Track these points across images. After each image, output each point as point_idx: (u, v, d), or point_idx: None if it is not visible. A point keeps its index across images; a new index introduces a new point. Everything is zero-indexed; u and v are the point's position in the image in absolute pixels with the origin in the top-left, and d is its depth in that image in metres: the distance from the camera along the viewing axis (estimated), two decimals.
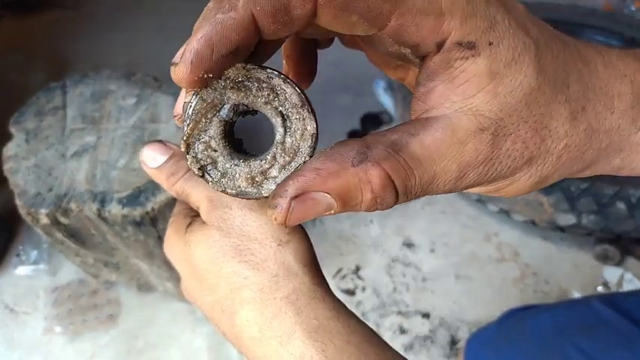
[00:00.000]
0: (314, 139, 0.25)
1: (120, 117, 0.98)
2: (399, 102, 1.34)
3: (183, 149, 0.24)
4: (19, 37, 1.87)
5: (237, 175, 0.25)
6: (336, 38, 0.32)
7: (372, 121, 1.47)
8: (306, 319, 0.28)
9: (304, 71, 0.32)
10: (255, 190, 0.25)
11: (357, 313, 1.07)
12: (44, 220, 0.87)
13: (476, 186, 0.26)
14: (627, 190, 0.99)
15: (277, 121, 0.24)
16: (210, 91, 0.23)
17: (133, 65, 1.30)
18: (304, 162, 0.24)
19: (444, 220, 1.23)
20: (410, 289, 1.11)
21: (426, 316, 1.07)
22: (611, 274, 1.11)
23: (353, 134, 1.44)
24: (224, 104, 0.24)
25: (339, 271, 1.15)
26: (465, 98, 0.23)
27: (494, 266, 1.14)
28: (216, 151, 0.24)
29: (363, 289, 1.12)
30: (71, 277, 1.16)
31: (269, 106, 0.24)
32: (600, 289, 1.10)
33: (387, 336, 1.04)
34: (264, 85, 0.23)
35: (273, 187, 0.25)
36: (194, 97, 0.23)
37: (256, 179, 0.25)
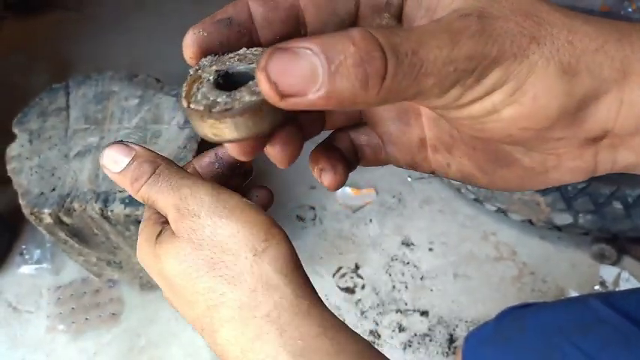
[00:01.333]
0: None
1: (122, 118, 1.00)
2: None
3: (185, 105, 0.25)
4: (21, 38, 1.88)
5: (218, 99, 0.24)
6: None
7: None
8: (290, 340, 0.26)
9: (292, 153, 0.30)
10: (227, 99, 0.24)
11: (357, 311, 1.08)
12: (47, 220, 0.88)
13: (484, 62, 0.22)
14: (624, 190, 0.99)
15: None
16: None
17: (135, 66, 1.32)
18: None
19: (442, 219, 1.24)
20: (409, 288, 1.12)
21: (424, 314, 1.08)
22: (608, 273, 1.12)
23: None
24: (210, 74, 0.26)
25: (339, 269, 1.16)
26: (444, 9, 0.23)
27: (492, 265, 1.15)
28: (208, 98, 0.25)
29: (363, 287, 1.13)
30: (74, 276, 1.17)
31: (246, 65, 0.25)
32: (597, 288, 1.10)
33: (385, 334, 1.05)
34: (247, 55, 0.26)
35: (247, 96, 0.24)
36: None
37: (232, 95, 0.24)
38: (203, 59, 0.26)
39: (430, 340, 1.04)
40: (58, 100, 1.05)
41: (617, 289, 1.09)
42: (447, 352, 1.02)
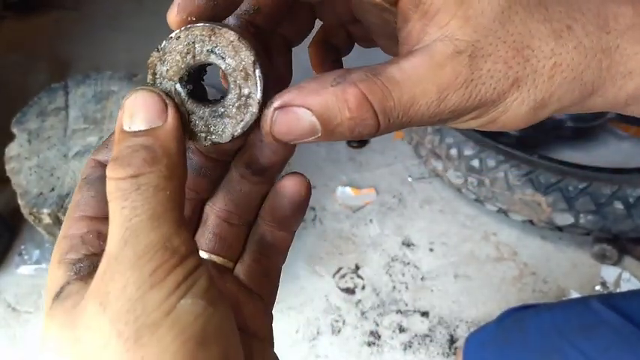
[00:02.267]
0: (261, 83, 0.25)
1: None
2: None
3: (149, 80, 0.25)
4: (20, 38, 1.87)
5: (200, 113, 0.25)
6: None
7: None
8: None
9: None
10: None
11: (357, 312, 1.08)
12: (46, 220, 0.88)
13: (464, 113, 0.25)
14: (625, 190, 0.99)
15: (231, 72, 0.25)
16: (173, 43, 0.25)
17: (134, 66, 1.31)
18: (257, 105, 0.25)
19: (443, 219, 1.24)
20: (409, 288, 1.12)
21: (425, 314, 1.07)
22: (609, 273, 1.12)
23: None
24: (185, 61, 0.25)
25: (339, 270, 1.16)
26: (440, 28, 0.24)
27: (492, 265, 1.15)
28: (179, 94, 0.25)
29: (363, 287, 1.13)
30: None
31: (222, 61, 0.25)
32: (598, 288, 1.10)
33: (386, 334, 1.05)
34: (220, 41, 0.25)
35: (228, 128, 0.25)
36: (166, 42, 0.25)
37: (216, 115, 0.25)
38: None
39: (431, 341, 1.03)
40: (57, 100, 1.04)
41: (618, 290, 1.09)
42: (447, 353, 1.02)
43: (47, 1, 2.00)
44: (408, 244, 1.20)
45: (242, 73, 0.24)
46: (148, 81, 0.25)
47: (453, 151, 1.12)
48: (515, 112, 0.25)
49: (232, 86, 0.25)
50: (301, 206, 0.28)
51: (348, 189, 1.31)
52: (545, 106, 0.25)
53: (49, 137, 0.98)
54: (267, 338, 0.28)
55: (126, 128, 0.23)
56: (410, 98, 0.23)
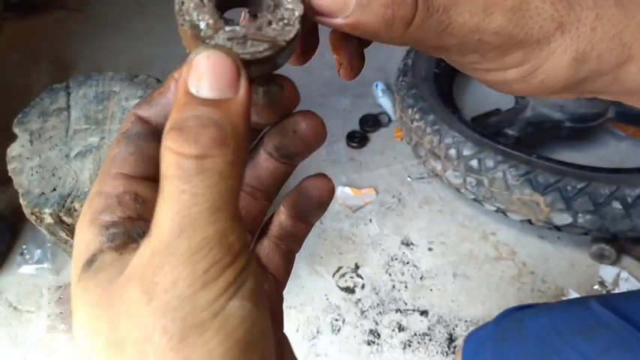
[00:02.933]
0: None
1: (123, 118, 1.00)
2: (397, 103, 1.35)
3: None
4: (22, 38, 1.88)
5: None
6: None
7: (371, 121, 1.49)
8: None
9: (354, 64, 0.30)
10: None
11: (357, 311, 1.09)
12: (48, 220, 0.89)
13: (508, 47, 0.23)
14: (623, 190, 0.99)
15: None
16: None
17: (136, 67, 1.32)
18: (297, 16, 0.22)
19: (442, 219, 1.25)
20: (408, 288, 1.12)
21: (424, 313, 1.08)
22: (608, 273, 1.12)
23: (351, 135, 1.45)
24: None
25: (339, 269, 1.16)
26: None
27: (491, 265, 1.15)
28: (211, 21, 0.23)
29: (363, 287, 1.13)
30: None
31: None
32: (597, 287, 1.11)
33: (385, 333, 1.05)
34: None
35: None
36: None
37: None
38: None
39: (430, 340, 1.04)
40: (59, 100, 1.05)
41: (616, 289, 1.10)
42: (446, 352, 1.02)
43: (49, 1, 2.01)
44: (407, 243, 1.20)
45: None
46: (192, 35, 0.22)
47: (452, 152, 1.12)
48: (557, 61, 0.24)
49: None
50: (323, 206, 0.28)
51: (347, 189, 1.31)
52: (586, 61, 0.24)
53: (50, 137, 0.98)
54: (279, 319, 0.29)
55: (192, 91, 0.20)
56: None
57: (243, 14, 0.24)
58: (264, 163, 0.27)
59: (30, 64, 1.72)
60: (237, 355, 0.19)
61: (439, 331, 1.05)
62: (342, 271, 1.16)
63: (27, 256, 1.21)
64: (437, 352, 1.02)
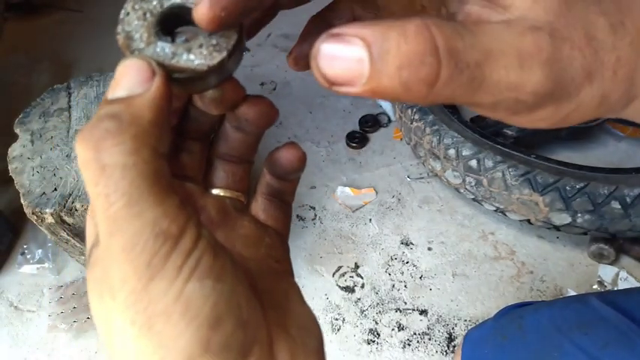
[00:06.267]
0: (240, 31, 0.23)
1: None
2: (396, 104, 1.35)
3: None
4: (23, 39, 1.88)
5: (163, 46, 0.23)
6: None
7: (371, 122, 1.49)
8: None
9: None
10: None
11: (356, 310, 1.09)
12: (49, 220, 0.89)
13: (542, 102, 0.22)
14: (622, 190, 1.00)
15: None
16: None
17: None
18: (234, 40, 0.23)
19: (441, 219, 1.25)
20: (408, 287, 1.13)
21: (423, 313, 1.08)
22: (607, 272, 1.13)
23: (351, 135, 1.46)
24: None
25: (339, 269, 1.17)
26: (505, 9, 0.21)
27: (490, 264, 1.15)
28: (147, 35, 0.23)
29: (362, 286, 1.13)
30: (75, 276, 1.18)
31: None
32: (596, 287, 1.11)
33: (385, 332, 1.06)
34: None
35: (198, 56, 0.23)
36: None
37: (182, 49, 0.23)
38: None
39: (429, 339, 1.04)
40: (60, 101, 1.05)
41: (615, 289, 1.10)
42: (445, 351, 1.02)
43: (50, 2, 2.01)
44: (406, 243, 1.21)
45: None
46: (124, 45, 0.23)
47: (451, 152, 1.12)
48: (585, 108, 0.23)
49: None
50: (297, 171, 0.29)
51: (347, 189, 1.32)
52: (608, 102, 0.23)
53: (51, 138, 0.99)
54: (288, 268, 0.29)
55: (108, 96, 0.21)
56: (486, 50, 0.20)
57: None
58: (231, 135, 0.29)
59: (31, 65, 1.72)
60: (207, 332, 0.19)
61: (438, 331, 1.05)
62: (341, 271, 1.16)
63: (28, 256, 1.21)
64: (436, 352, 1.02)
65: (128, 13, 0.24)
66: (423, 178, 1.34)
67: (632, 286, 1.10)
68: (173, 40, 0.24)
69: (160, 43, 0.23)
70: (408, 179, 1.35)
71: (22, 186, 0.91)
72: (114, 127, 0.19)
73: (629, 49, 0.23)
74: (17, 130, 1.01)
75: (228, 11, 0.21)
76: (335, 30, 0.20)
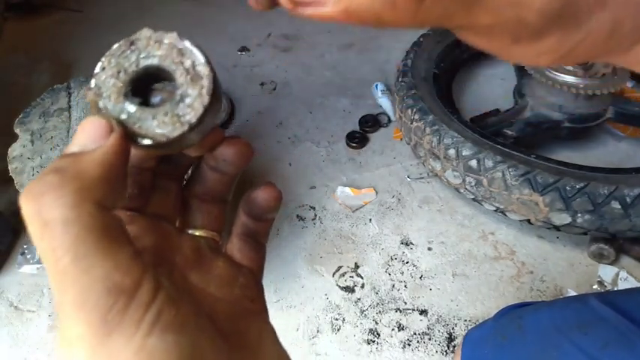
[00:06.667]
0: (211, 81, 0.23)
1: None
2: (396, 104, 1.35)
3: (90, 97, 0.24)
4: (23, 39, 1.88)
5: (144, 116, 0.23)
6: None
7: (371, 122, 1.49)
8: None
9: None
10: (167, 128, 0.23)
11: (356, 310, 1.09)
12: None
13: (550, 21, 0.20)
14: (622, 190, 1.00)
15: (178, 73, 0.24)
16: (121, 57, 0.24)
17: None
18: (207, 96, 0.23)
19: (441, 219, 1.25)
20: (408, 287, 1.13)
21: (423, 313, 1.08)
22: (607, 272, 1.13)
23: (351, 135, 1.46)
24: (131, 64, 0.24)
25: (339, 269, 1.17)
26: None
27: (490, 264, 1.15)
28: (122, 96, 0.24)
29: (362, 286, 1.13)
30: None
31: (173, 64, 0.24)
32: (596, 287, 1.11)
33: (385, 332, 1.06)
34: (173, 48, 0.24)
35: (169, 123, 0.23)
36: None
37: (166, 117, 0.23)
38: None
39: (429, 339, 1.04)
40: (60, 101, 1.05)
41: (615, 289, 1.10)
42: (445, 351, 1.02)
43: (50, 2, 2.02)
44: (406, 243, 1.21)
45: (176, 52, 0.23)
46: (92, 101, 0.24)
47: (451, 152, 1.12)
48: (593, 39, 0.21)
49: (174, 67, 0.23)
50: (273, 211, 0.29)
51: (347, 189, 1.32)
52: (621, 27, 0.21)
53: (51, 138, 0.99)
54: (262, 308, 0.29)
55: (65, 151, 0.21)
56: None
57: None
58: (207, 175, 0.29)
59: (31, 65, 1.72)
60: None
61: (438, 331, 1.05)
62: (341, 271, 1.16)
63: (28, 256, 1.21)
64: (436, 352, 1.02)
65: (103, 68, 0.24)
66: (423, 178, 1.34)
67: (632, 287, 1.10)
68: (146, 98, 0.24)
69: (127, 105, 0.23)
70: (408, 179, 1.35)
71: (22, 186, 0.92)
72: (56, 180, 0.18)
73: None
74: (17, 130, 1.01)
75: None
76: None
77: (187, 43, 0.23)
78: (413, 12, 0.17)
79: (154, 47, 0.24)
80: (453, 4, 0.18)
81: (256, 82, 1.69)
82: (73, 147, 0.21)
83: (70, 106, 1.04)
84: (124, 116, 0.23)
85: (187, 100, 0.23)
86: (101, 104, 0.23)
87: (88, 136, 0.21)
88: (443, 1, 0.17)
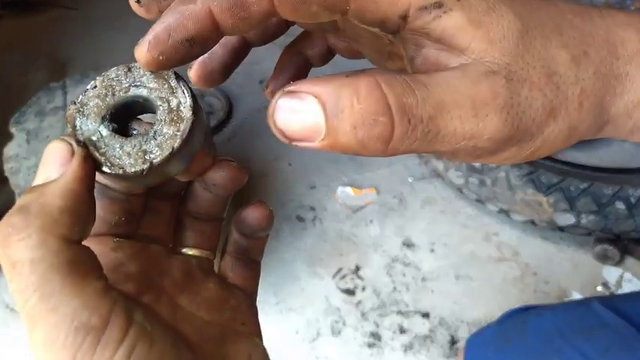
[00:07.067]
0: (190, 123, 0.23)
1: None
2: None
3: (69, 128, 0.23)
4: (19, 36, 1.87)
5: (118, 146, 0.23)
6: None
7: None
8: None
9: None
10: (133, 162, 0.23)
11: (357, 313, 1.08)
12: None
13: (503, 145, 0.22)
14: (627, 190, 0.99)
15: (161, 107, 0.24)
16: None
17: None
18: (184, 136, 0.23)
19: (444, 220, 1.24)
20: (410, 289, 1.12)
21: (425, 315, 1.07)
22: (611, 273, 1.12)
23: None
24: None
25: (339, 270, 1.16)
26: (461, 52, 0.21)
27: (494, 266, 1.15)
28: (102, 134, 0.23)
29: (363, 288, 1.12)
30: None
31: (159, 99, 0.24)
32: (600, 288, 1.10)
33: (386, 335, 1.05)
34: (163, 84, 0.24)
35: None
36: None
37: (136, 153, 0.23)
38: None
39: (431, 342, 1.03)
40: (56, 100, 1.04)
41: (619, 290, 1.09)
42: (448, 354, 1.02)
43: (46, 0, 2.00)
44: (408, 244, 1.20)
45: (167, 88, 0.23)
46: (68, 133, 0.24)
47: None
48: (551, 144, 0.23)
49: (159, 103, 0.23)
50: (264, 229, 0.29)
51: (348, 189, 1.31)
52: (577, 133, 0.23)
53: (47, 137, 0.97)
54: (254, 330, 0.29)
55: (32, 184, 0.21)
56: (438, 103, 0.20)
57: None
58: (200, 194, 0.29)
59: (26, 63, 1.71)
60: None
61: (441, 334, 1.04)
62: (342, 273, 1.15)
63: None
64: (438, 355, 1.01)
65: (95, 87, 0.24)
66: (425, 178, 1.34)
67: (637, 288, 1.09)
68: (126, 126, 0.24)
69: (101, 128, 0.23)
70: (410, 179, 1.33)
71: (17, 186, 0.91)
72: (20, 221, 0.19)
73: (594, 78, 0.23)
74: (13, 130, 1.00)
75: (166, 56, 0.22)
76: (289, 87, 0.20)
77: (181, 83, 0.24)
78: (382, 151, 0.20)
79: (149, 79, 0.24)
80: (416, 143, 0.21)
81: (255, 79, 1.68)
82: (38, 178, 0.21)
83: (65, 105, 1.03)
84: (94, 138, 0.23)
85: (159, 139, 0.23)
86: (77, 122, 0.23)
87: (52, 164, 0.21)
88: (406, 141, 0.20)
